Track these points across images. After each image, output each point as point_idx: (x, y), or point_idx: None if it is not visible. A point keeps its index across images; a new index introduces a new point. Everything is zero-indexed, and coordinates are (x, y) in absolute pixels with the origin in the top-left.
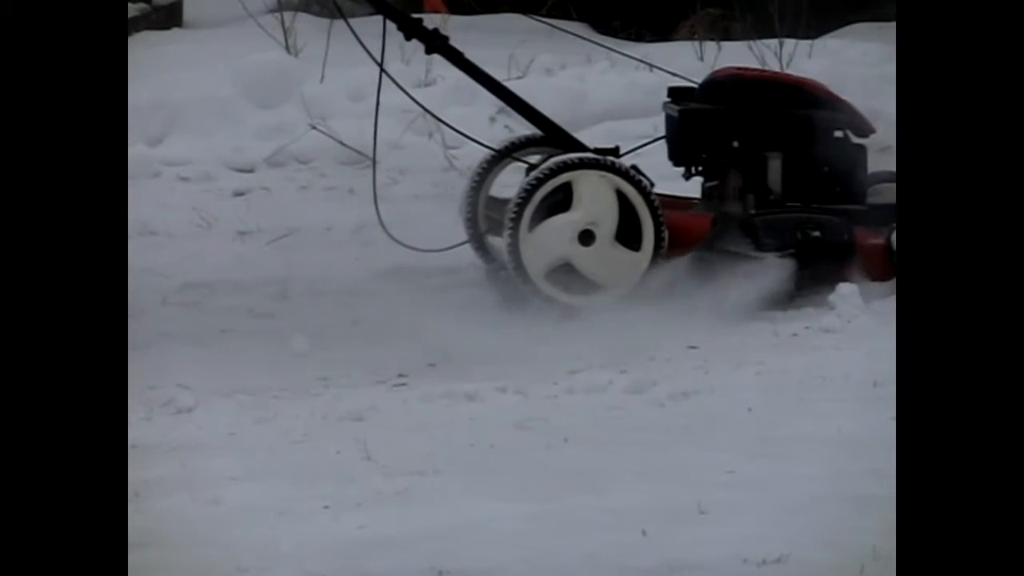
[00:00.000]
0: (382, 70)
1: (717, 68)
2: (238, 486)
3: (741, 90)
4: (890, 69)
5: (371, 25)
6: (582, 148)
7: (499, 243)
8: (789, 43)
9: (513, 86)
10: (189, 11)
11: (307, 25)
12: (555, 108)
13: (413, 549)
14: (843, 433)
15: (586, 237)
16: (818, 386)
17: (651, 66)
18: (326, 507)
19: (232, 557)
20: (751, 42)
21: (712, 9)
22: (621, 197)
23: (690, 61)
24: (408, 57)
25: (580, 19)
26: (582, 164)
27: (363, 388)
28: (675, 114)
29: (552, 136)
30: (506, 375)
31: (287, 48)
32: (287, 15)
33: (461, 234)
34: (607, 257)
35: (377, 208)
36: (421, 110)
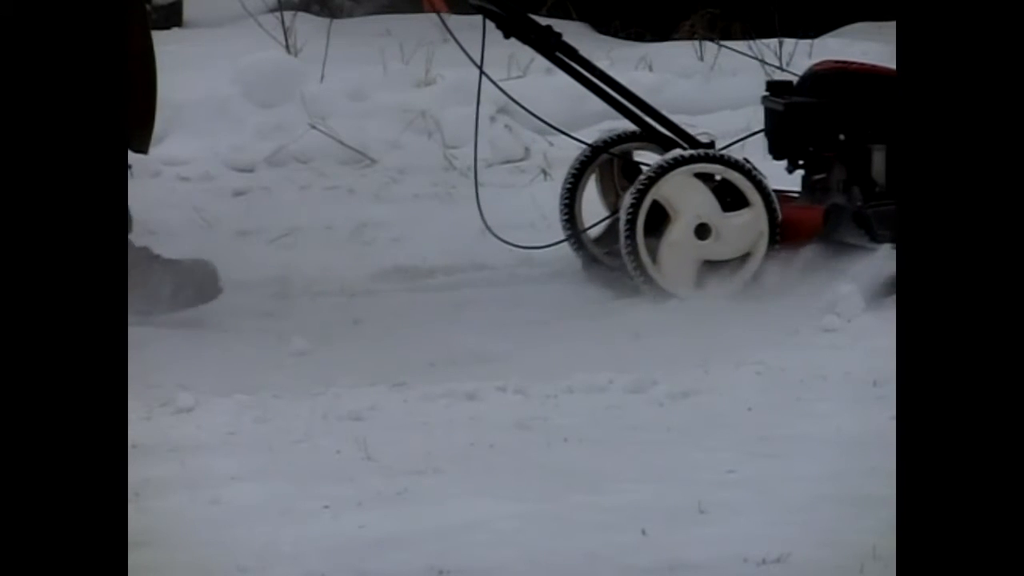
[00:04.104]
0: (481, 72)
1: (816, 61)
2: (238, 486)
3: (846, 83)
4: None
5: (370, 24)
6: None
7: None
8: (789, 42)
9: (513, 85)
10: (189, 11)
11: (307, 25)
12: (555, 108)
13: (413, 549)
14: (843, 433)
15: (702, 230)
16: (818, 385)
17: (763, 63)
18: (326, 507)
19: (232, 557)
20: (751, 41)
21: (712, 9)
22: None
23: (690, 61)
24: (408, 57)
25: (580, 19)
26: (769, 208)
27: (363, 388)
28: (779, 108)
29: (676, 138)
30: (506, 375)
31: (287, 48)
32: (287, 15)
33: (462, 233)
34: (687, 261)
35: (480, 207)
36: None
